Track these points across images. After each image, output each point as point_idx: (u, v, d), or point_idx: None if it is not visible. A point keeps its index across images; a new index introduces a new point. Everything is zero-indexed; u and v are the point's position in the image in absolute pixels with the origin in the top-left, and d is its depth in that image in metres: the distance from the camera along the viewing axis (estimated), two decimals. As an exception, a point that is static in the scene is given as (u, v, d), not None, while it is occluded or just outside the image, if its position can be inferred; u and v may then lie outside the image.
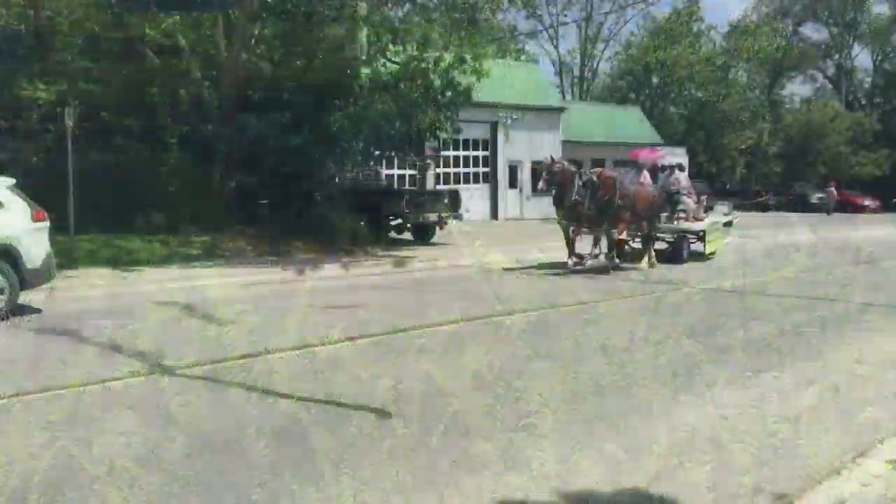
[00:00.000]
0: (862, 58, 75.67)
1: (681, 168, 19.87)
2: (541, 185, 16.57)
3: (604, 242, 16.67)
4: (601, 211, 15.64)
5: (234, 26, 19.22)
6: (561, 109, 36.93)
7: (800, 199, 47.11)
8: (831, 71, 70.23)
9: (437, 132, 21.53)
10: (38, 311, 10.86)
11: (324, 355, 8.23)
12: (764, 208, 45.66)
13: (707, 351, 8.60)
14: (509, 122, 33.12)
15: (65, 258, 13.84)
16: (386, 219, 21.14)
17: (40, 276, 10.78)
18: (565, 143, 35.98)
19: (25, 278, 10.45)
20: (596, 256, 16.55)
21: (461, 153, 31.86)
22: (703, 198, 21.69)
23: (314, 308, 11.37)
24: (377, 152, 21.41)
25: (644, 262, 16.87)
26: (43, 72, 21.13)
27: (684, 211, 18.70)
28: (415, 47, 20.08)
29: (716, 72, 58.38)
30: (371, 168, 23.91)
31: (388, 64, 20.70)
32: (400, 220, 21.19)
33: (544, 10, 61.62)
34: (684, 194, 18.93)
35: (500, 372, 7.54)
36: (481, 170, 33.07)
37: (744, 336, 9.47)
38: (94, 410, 6.19)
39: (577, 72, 65.27)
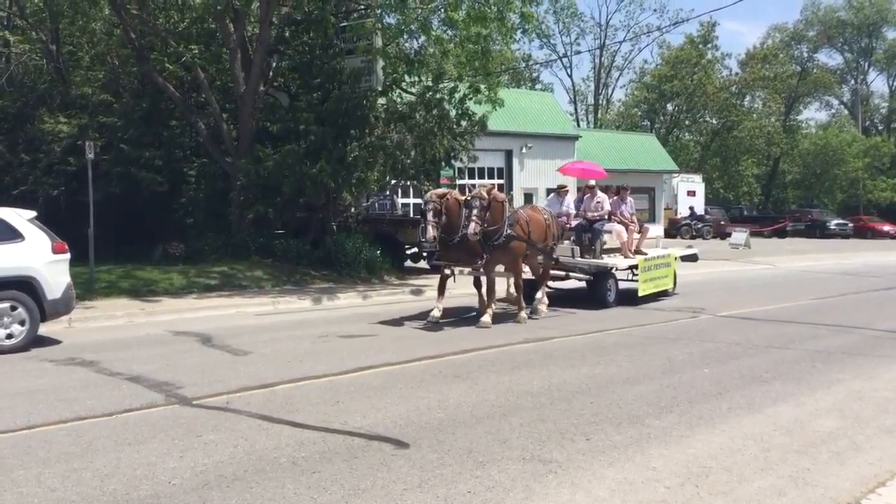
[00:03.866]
0: (878, 83, 75.72)
1: (606, 189, 16.63)
2: (429, 234, 12.16)
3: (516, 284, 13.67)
4: (485, 242, 12.46)
5: (252, 59, 19.49)
6: (576, 137, 37.05)
7: (818, 226, 46.78)
8: (847, 96, 70.19)
9: (453, 161, 21.65)
10: (58, 342, 10.97)
11: (341, 384, 8.25)
12: (782, 234, 45.46)
13: (724, 379, 8.55)
14: (524, 150, 33.29)
15: (84, 289, 13.98)
16: (402, 247, 21.22)
17: (60, 308, 10.90)
18: (580, 170, 36.03)
19: (45, 309, 10.58)
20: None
21: (477, 181, 31.98)
22: (654, 226, 19.68)
23: (331, 337, 11.41)
24: (393, 181, 21.55)
25: (525, 310, 13.29)
26: (64, 105, 21.51)
27: (612, 241, 15.72)
28: (430, 78, 20.28)
29: (731, 98, 58.46)
30: (387, 197, 24.05)
31: (404, 94, 20.91)
32: (416, 249, 21.26)
33: (558, 39, 62.31)
34: (615, 221, 15.80)
35: (516, 401, 7.54)
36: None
37: (763, 364, 9.41)
38: (113, 442, 6.23)
39: (591, 99, 65.66)
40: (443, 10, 19.08)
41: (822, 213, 51.68)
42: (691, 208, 43.46)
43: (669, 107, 60.79)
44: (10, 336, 10.18)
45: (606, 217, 15.58)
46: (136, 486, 5.23)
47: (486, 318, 12.44)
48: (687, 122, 61.55)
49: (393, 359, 9.62)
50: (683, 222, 42.17)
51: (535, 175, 33.80)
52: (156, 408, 7.28)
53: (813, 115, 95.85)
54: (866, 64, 69.01)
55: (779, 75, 59.54)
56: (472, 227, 11.97)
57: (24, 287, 10.37)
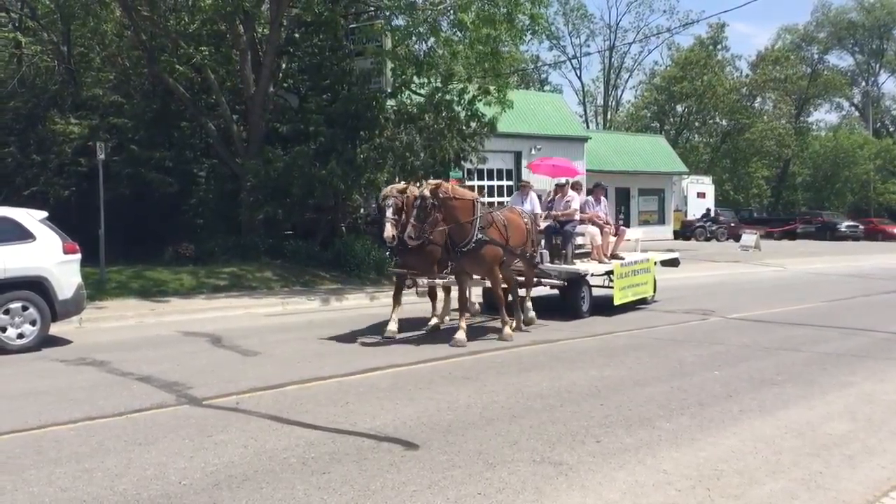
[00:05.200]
0: (889, 85, 75.34)
1: (576, 187, 14.91)
2: (388, 232, 10.62)
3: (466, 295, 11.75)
4: (452, 248, 10.93)
5: (262, 61, 19.54)
6: (585, 139, 36.98)
7: (828, 228, 46.56)
8: (858, 98, 69.91)
9: (462, 162, 21.65)
10: (69, 342, 11.01)
11: (350, 385, 8.25)
12: (792, 236, 45.28)
13: (734, 382, 8.52)
14: (533, 151, 33.25)
15: (95, 290, 14.03)
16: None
17: (71, 308, 10.94)
18: (589, 171, 36.01)
19: (56, 310, 10.61)
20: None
21: (486, 183, 31.96)
22: (633, 229, 17.21)
23: (340, 338, 11.40)
24: (402, 183, 21.54)
25: (507, 329, 11.31)
26: (75, 106, 21.60)
27: (583, 246, 14.37)
28: (439, 79, 20.28)
29: (741, 100, 58.26)
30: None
31: (413, 96, 20.91)
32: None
33: (568, 40, 62.27)
34: (585, 222, 14.39)
35: (525, 403, 7.53)
36: (506, 199, 33.13)
37: (773, 366, 9.38)
38: (124, 442, 6.24)
39: (600, 101, 65.58)
40: (452, 11, 19.09)
41: (832, 215, 51.41)
42: (707, 210, 43.35)
43: (679, 108, 60.62)
44: (21, 336, 10.23)
45: (578, 218, 14.15)
46: (147, 486, 5.24)
47: (462, 336, 10.67)
48: (697, 124, 61.37)
49: (401, 360, 9.62)
50: (698, 224, 41.95)
51: (544, 177, 33.76)
52: (166, 408, 7.30)
53: (823, 117, 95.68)
54: (877, 66, 68.72)
55: (789, 77, 59.31)
56: (409, 230, 10.36)
57: (35, 287, 10.42)
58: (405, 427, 6.62)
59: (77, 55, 22.39)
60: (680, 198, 44.35)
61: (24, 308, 10.27)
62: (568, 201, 14.16)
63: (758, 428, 6.72)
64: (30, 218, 10.82)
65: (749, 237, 34.25)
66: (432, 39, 20.20)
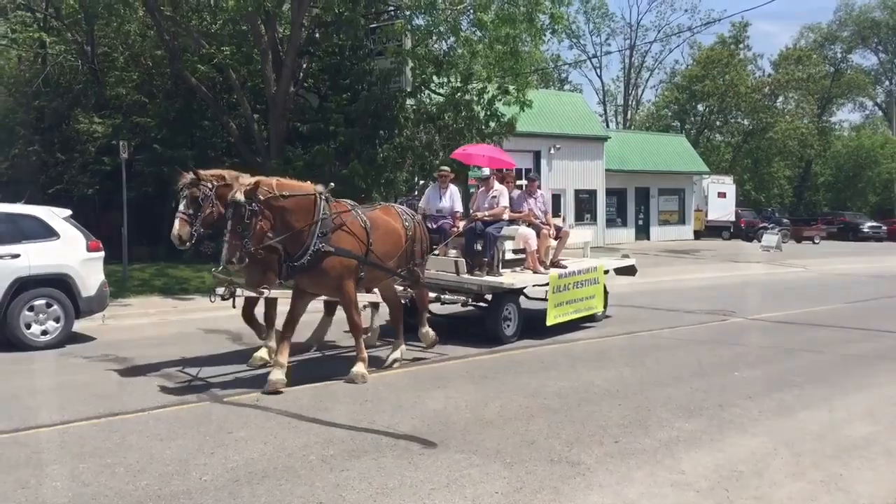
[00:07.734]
0: (913, 84, 74.17)
1: (506, 180, 12.04)
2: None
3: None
4: (286, 260, 8.47)
5: (283, 61, 19.64)
6: (605, 138, 36.83)
7: (851, 229, 46.02)
8: (881, 98, 69.14)
9: (482, 162, 21.67)
10: (92, 338, 11.13)
11: (368, 383, 8.28)
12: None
13: (754, 383, 8.47)
14: (553, 151, 33.19)
15: (118, 287, 14.17)
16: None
17: (94, 305, 11.04)
18: (609, 171, 35.92)
19: (80, 307, 10.71)
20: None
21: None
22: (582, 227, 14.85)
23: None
24: (421, 182, 21.57)
25: (396, 352, 9.43)
26: (99, 106, 21.83)
27: (517, 252, 11.61)
28: (459, 79, 20.29)
29: (763, 100, 57.75)
30: (415, 197, 24.09)
31: (433, 95, 20.93)
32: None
33: (588, 39, 62.03)
34: (517, 222, 11.70)
35: (543, 402, 7.53)
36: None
37: (794, 368, 9.31)
38: (146, 438, 6.31)
39: (620, 100, 65.27)
40: (472, 11, 19.09)
41: (855, 215, 50.80)
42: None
43: (700, 107, 60.15)
44: (45, 333, 10.34)
45: (507, 218, 11.39)
46: (168, 481, 5.30)
47: (277, 375, 7.89)
48: (718, 124, 60.87)
49: (419, 359, 9.63)
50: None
51: (564, 176, 33.72)
52: (187, 405, 7.37)
53: (847, 116, 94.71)
54: (901, 65, 67.94)
55: (812, 76, 58.72)
56: (226, 253, 7.88)
57: (59, 284, 10.53)
58: (423, 425, 6.64)
59: (101, 55, 22.62)
60: (700, 198, 44.02)
61: (49, 305, 10.38)
62: (494, 196, 11.31)
63: (778, 429, 6.68)
64: (54, 216, 10.93)
65: (771, 237, 33.96)
66: (452, 39, 20.22)
